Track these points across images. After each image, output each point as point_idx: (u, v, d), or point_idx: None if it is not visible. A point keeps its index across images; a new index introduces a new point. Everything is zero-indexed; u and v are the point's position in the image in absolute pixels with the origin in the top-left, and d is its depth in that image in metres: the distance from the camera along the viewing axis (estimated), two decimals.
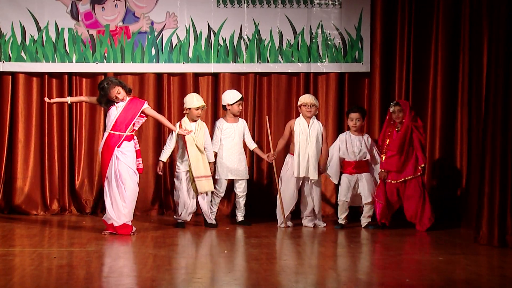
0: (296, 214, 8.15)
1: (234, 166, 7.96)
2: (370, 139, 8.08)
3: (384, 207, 7.77)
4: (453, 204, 8.59)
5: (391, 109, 7.82)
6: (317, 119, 8.10)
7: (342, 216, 7.98)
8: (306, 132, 7.89)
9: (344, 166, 8.00)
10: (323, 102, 8.87)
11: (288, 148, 8.06)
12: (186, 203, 7.76)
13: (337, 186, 8.26)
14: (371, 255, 6.44)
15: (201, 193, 7.71)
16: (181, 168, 7.78)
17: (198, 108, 7.76)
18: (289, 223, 7.97)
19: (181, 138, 7.75)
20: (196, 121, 7.79)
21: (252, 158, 8.77)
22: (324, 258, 6.42)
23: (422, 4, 8.78)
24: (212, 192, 7.91)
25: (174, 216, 7.93)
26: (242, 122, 8.12)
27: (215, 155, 7.95)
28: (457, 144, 8.70)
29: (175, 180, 7.90)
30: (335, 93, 8.84)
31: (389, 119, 7.89)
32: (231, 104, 7.98)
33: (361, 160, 7.94)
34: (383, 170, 7.80)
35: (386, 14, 8.81)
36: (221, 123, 8.05)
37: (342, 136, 8.09)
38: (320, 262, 6.17)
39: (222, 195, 8.03)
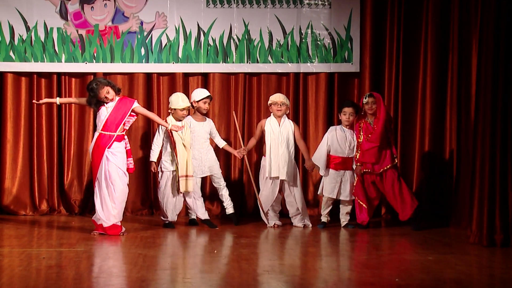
0: (284, 214, 8.16)
1: (206, 163, 7.96)
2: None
3: (369, 209, 7.80)
4: (442, 204, 8.62)
5: (365, 100, 7.82)
6: (288, 118, 8.08)
7: (325, 212, 7.99)
8: (276, 131, 7.88)
9: (331, 161, 7.96)
10: (313, 102, 8.88)
11: (262, 150, 8.06)
12: (171, 202, 7.75)
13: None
14: (360, 255, 6.45)
15: (181, 192, 7.70)
16: (167, 168, 7.76)
17: (183, 109, 7.75)
18: (278, 222, 7.97)
19: (168, 137, 7.74)
20: (181, 120, 7.78)
21: (241, 160, 8.75)
22: (313, 257, 6.42)
23: (412, 5, 8.81)
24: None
25: (162, 217, 7.91)
26: (209, 122, 8.11)
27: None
28: (446, 143, 8.74)
29: (159, 180, 7.86)
30: (325, 93, 8.85)
31: (360, 112, 7.91)
32: (197, 101, 7.95)
33: (348, 156, 7.94)
34: (359, 164, 7.81)
35: (375, 14, 8.83)
36: (189, 120, 7.99)
37: (333, 129, 8.04)
38: (310, 262, 6.18)
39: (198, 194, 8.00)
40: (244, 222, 8.16)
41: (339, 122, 8.15)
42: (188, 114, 7.88)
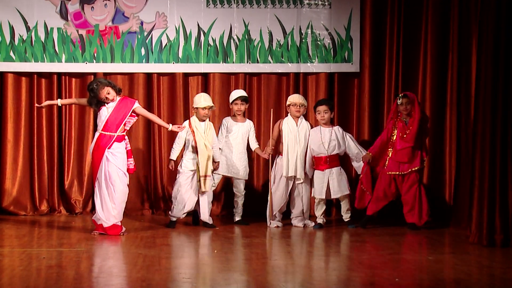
0: (286, 215, 8.16)
1: (233, 163, 8.00)
2: (341, 129, 8.06)
3: (374, 200, 7.80)
4: (443, 204, 8.62)
5: (399, 101, 7.82)
6: (305, 119, 8.11)
7: (319, 214, 7.98)
8: (294, 131, 7.90)
9: (316, 162, 7.97)
10: (313, 102, 8.85)
11: (277, 149, 8.07)
12: (183, 201, 7.73)
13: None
14: (360, 255, 6.45)
15: (204, 191, 7.71)
16: (188, 167, 7.76)
17: (204, 108, 7.75)
18: (279, 223, 7.98)
19: (191, 137, 7.73)
20: (204, 120, 7.78)
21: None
22: (313, 258, 6.42)
23: (411, 4, 8.81)
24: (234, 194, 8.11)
25: (170, 213, 7.91)
26: (249, 123, 8.14)
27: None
28: (446, 143, 8.73)
29: (178, 175, 7.83)
30: (325, 93, 8.85)
31: (394, 112, 7.90)
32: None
33: (332, 154, 7.93)
34: (368, 153, 7.82)
35: (375, 14, 8.83)
36: (227, 121, 8.11)
37: (312, 131, 8.03)
38: (310, 262, 6.18)
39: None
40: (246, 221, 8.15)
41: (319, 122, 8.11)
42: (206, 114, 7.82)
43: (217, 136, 8.00)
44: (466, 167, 7.71)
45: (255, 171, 8.83)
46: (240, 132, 8.07)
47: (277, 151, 8.04)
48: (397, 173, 7.79)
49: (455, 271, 5.64)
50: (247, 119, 8.24)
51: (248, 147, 8.19)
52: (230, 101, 8.12)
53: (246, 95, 8.23)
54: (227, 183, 8.51)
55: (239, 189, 8.11)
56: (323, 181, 7.92)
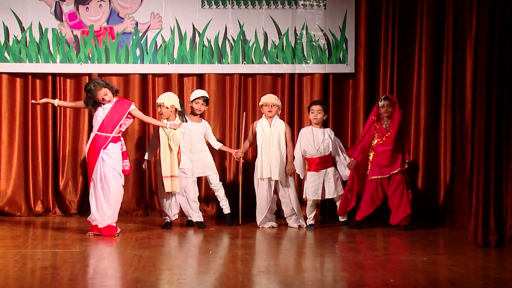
0: (280, 215, 8.16)
1: (199, 164, 7.97)
2: (333, 132, 8.08)
3: (363, 206, 7.81)
4: (437, 204, 8.64)
5: (380, 103, 7.84)
6: (280, 118, 8.09)
7: (311, 216, 7.98)
8: (267, 132, 7.90)
9: (309, 164, 7.96)
10: (308, 103, 8.85)
11: (256, 151, 8.06)
12: (167, 203, 7.77)
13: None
14: (355, 255, 6.46)
15: (168, 193, 7.70)
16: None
17: (158, 106, 7.77)
18: (274, 224, 7.97)
19: (157, 138, 7.74)
20: (172, 120, 7.74)
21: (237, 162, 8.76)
22: (308, 258, 6.43)
23: (406, 6, 8.82)
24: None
25: (162, 216, 7.94)
26: (204, 123, 8.11)
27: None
28: (441, 144, 8.75)
29: (158, 177, 7.89)
30: (320, 94, 8.86)
31: (375, 115, 7.90)
32: (191, 101, 7.98)
33: (325, 155, 7.93)
34: (352, 159, 7.82)
35: (370, 15, 8.84)
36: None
37: (303, 131, 8.06)
38: (305, 263, 6.18)
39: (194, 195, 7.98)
40: (238, 223, 8.14)
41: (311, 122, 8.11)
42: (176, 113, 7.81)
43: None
44: (461, 167, 7.73)
45: (228, 171, 8.80)
46: (196, 132, 8.00)
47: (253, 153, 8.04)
48: (380, 177, 7.79)
49: (450, 271, 5.65)
50: (202, 120, 8.19)
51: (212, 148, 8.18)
52: (190, 99, 8.06)
53: (207, 96, 8.19)
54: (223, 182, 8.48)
55: (214, 183, 8.09)
56: (319, 182, 7.92)
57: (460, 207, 7.70)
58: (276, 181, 7.90)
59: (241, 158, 8.06)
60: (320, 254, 6.62)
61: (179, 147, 7.74)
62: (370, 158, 7.85)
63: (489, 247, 6.62)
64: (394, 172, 7.75)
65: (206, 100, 8.11)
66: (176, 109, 7.76)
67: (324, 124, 8.18)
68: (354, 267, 5.84)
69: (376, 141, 7.82)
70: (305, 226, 7.95)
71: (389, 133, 7.76)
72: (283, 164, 7.89)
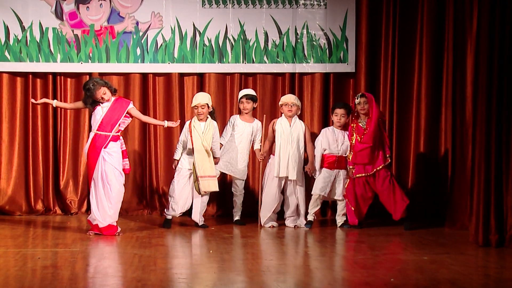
0: (280, 215, 8.17)
1: (234, 162, 8.01)
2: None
3: (356, 211, 7.82)
4: (437, 204, 8.64)
5: (357, 101, 7.85)
6: (300, 119, 8.11)
7: (312, 211, 8.00)
8: (287, 131, 7.91)
9: (324, 160, 7.99)
10: (308, 102, 8.89)
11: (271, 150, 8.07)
12: (179, 199, 7.72)
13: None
14: (355, 255, 6.46)
15: (205, 192, 7.70)
16: (184, 165, 7.76)
17: (196, 107, 7.72)
18: (274, 223, 7.98)
19: (188, 137, 7.73)
20: (203, 120, 7.75)
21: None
22: (308, 258, 6.43)
23: (407, 5, 8.83)
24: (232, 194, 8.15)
25: (165, 211, 7.89)
26: (256, 123, 8.13)
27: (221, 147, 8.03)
28: (441, 144, 8.75)
29: (175, 173, 7.84)
30: (320, 94, 8.86)
31: (353, 113, 7.94)
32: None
33: (342, 155, 7.96)
34: (351, 167, 7.83)
35: (371, 15, 8.84)
36: (234, 118, 8.15)
37: (324, 131, 8.11)
38: (305, 262, 6.18)
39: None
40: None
41: (333, 123, 8.16)
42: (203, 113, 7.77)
43: (220, 134, 8.01)
44: (461, 167, 7.73)
45: (251, 171, 8.81)
46: (245, 132, 8.07)
47: (271, 152, 8.04)
48: (364, 174, 7.79)
49: (450, 271, 5.65)
50: (255, 119, 8.22)
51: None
52: (238, 101, 8.17)
53: (253, 93, 8.20)
54: (223, 182, 8.48)
55: (238, 188, 8.11)
56: (329, 180, 7.95)
57: (460, 207, 7.70)
58: (286, 181, 7.90)
59: (262, 161, 8.07)
60: (320, 253, 6.62)
61: (211, 147, 7.73)
62: (350, 158, 7.84)
63: (489, 247, 6.63)
64: (378, 168, 7.76)
65: (251, 98, 8.10)
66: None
67: (344, 127, 8.17)
68: (354, 267, 5.84)
69: (354, 140, 7.82)
70: (302, 225, 7.94)
71: (366, 131, 7.76)
72: (301, 164, 7.91)
